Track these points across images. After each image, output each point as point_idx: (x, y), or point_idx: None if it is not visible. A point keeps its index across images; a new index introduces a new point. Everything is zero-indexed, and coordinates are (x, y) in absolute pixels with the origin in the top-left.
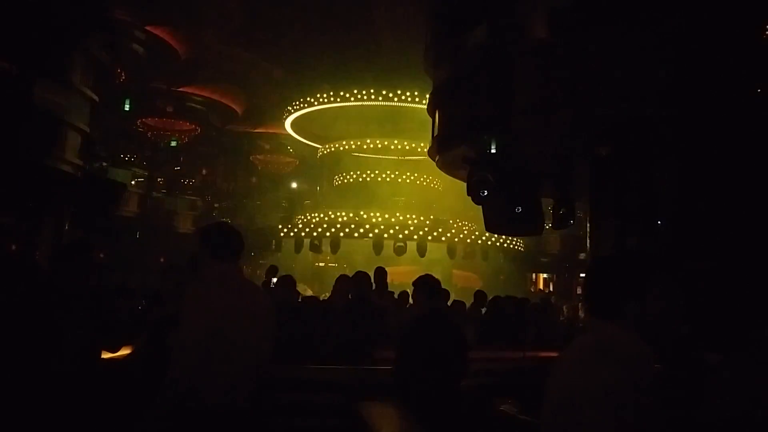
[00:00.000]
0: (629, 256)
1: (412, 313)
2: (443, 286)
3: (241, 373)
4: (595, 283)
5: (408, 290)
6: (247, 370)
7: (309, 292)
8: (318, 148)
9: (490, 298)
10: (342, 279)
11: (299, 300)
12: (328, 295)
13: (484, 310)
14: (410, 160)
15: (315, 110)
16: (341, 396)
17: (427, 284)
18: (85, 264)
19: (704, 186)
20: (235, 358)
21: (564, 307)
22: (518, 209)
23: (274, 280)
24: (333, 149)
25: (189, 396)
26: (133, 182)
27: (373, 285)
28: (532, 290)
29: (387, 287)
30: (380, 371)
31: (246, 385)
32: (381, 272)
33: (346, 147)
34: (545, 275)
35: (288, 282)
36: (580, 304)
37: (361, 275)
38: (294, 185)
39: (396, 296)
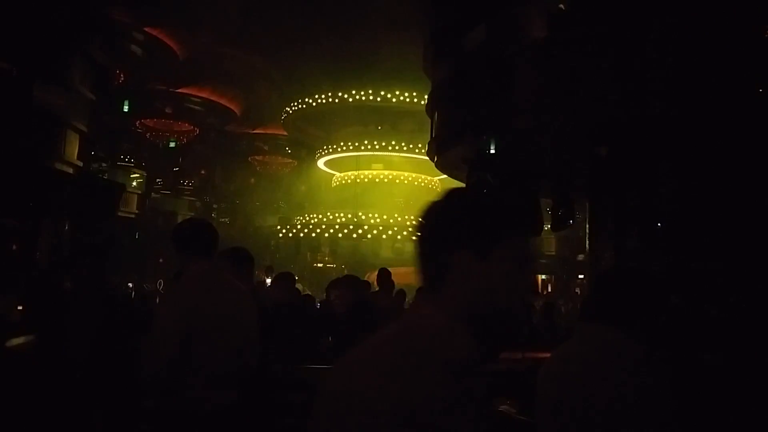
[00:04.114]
0: (641, 270)
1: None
2: None
3: (226, 373)
4: (611, 292)
5: (405, 290)
6: (232, 370)
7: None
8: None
9: None
10: (337, 283)
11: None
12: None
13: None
14: (409, 160)
15: (313, 110)
16: None
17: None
18: (100, 266)
19: (704, 187)
20: (219, 357)
21: (562, 308)
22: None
23: (268, 280)
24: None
25: (173, 396)
26: (134, 183)
27: (376, 287)
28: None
29: (392, 289)
30: None
31: (232, 385)
32: (385, 274)
33: (344, 148)
34: (543, 276)
35: (288, 280)
36: (580, 305)
37: (353, 278)
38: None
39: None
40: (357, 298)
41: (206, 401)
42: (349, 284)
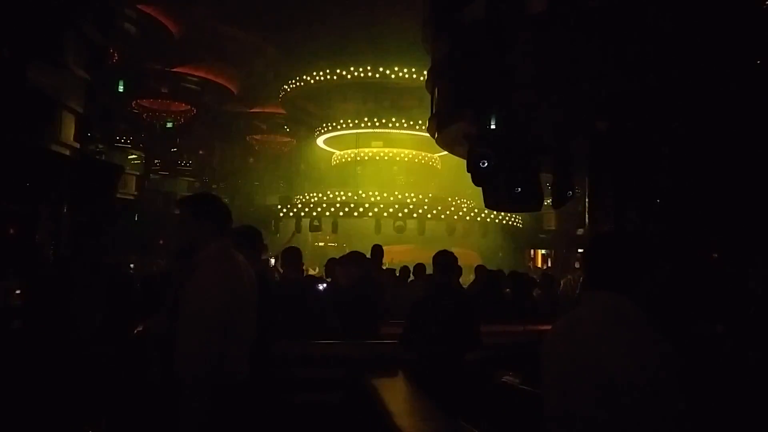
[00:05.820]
0: (636, 233)
1: (424, 287)
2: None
3: (247, 344)
4: (609, 256)
5: (408, 266)
6: (249, 341)
7: (315, 271)
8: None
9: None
10: (342, 259)
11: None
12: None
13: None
14: (409, 137)
15: (311, 88)
16: (350, 370)
17: (440, 261)
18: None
19: (704, 161)
20: (246, 331)
21: (562, 282)
22: (518, 189)
23: (272, 260)
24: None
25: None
26: (131, 165)
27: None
28: (531, 266)
29: (382, 264)
30: (387, 345)
31: (247, 355)
32: (378, 250)
33: (344, 126)
34: (543, 251)
35: (295, 256)
36: (581, 278)
37: (358, 254)
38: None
39: (398, 272)
40: (362, 274)
41: (237, 374)
42: (354, 260)
